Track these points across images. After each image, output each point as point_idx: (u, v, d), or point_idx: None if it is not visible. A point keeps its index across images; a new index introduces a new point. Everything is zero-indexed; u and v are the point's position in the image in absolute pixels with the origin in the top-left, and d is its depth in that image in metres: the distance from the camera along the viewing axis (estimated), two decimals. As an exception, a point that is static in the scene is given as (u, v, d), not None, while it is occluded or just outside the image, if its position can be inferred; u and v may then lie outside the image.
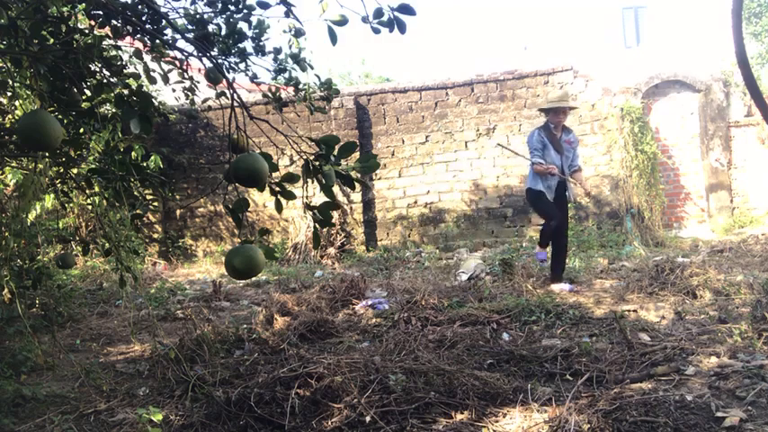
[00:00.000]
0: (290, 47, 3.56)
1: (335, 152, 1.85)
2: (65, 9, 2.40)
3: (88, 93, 2.42)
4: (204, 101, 4.38)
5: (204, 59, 2.18)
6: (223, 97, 3.04)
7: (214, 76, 2.11)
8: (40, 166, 2.98)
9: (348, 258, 9.44)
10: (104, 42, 2.61)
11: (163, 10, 2.94)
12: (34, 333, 4.08)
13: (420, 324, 4.70)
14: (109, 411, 3.36)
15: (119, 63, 2.73)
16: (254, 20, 3.29)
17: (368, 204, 10.31)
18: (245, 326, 4.89)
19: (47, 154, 2.80)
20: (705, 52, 10.06)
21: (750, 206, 9.89)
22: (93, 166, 3.07)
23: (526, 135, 10.06)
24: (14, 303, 3.43)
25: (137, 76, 2.81)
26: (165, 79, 3.12)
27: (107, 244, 3.10)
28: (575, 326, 4.55)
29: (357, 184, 1.91)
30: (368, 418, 2.86)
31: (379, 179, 10.30)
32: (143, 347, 4.60)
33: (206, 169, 10.65)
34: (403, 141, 10.24)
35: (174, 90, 3.71)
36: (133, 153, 3.53)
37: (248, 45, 3.40)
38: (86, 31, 2.47)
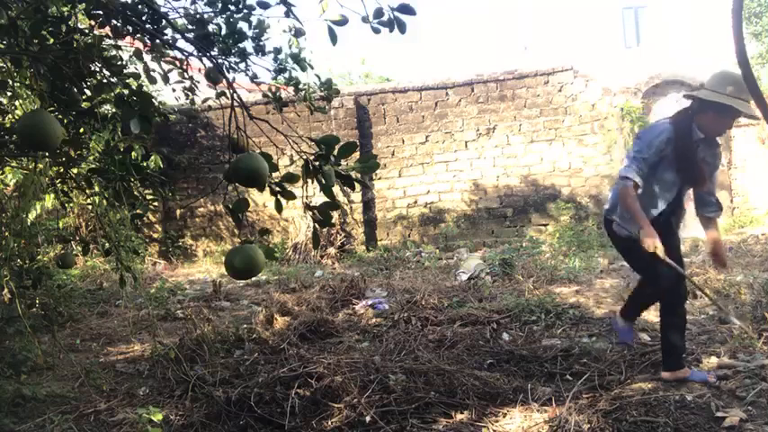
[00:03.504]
0: (290, 47, 3.56)
1: (335, 152, 1.84)
2: (65, 9, 2.40)
3: (88, 93, 2.42)
4: (204, 101, 4.37)
5: (204, 59, 2.18)
6: (223, 97, 3.03)
7: (214, 76, 2.11)
8: (40, 166, 2.98)
9: (348, 258, 9.44)
10: (104, 42, 2.61)
11: (163, 10, 2.93)
12: (34, 333, 4.06)
13: (420, 324, 4.70)
14: (109, 411, 3.36)
15: (119, 63, 2.73)
16: (254, 20, 3.29)
17: (368, 204, 10.31)
18: (245, 326, 4.88)
19: (47, 154, 2.80)
20: (705, 52, 10.05)
21: (750, 206, 9.88)
22: (93, 166, 3.07)
23: (526, 135, 10.12)
24: (14, 303, 3.43)
25: (137, 76, 2.81)
26: (165, 79, 3.12)
27: (107, 244, 3.10)
28: (575, 326, 4.55)
29: (357, 185, 1.91)
30: (368, 418, 2.86)
31: (379, 179, 10.29)
32: (143, 347, 4.60)
33: (206, 169, 10.64)
34: (403, 141, 10.24)
35: (174, 90, 3.70)
36: (133, 153, 3.53)
37: (248, 45, 3.40)
38: (86, 31, 2.46)
